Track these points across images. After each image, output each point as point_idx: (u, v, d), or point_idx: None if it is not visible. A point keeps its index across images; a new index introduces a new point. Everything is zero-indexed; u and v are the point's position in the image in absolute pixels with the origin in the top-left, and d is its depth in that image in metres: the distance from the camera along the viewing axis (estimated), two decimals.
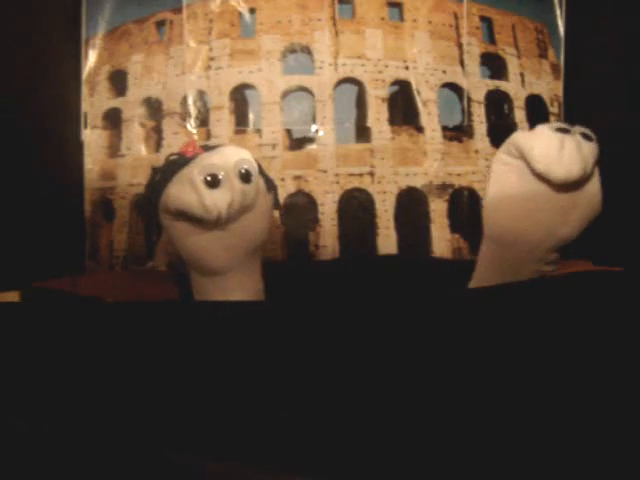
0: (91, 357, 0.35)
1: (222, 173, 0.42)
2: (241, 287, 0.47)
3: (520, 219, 0.43)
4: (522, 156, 0.42)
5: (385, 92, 0.76)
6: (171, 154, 0.46)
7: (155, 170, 0.46)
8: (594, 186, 0.43)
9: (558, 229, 0.43)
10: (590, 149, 0.41)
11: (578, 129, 0.41)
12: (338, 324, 0.38)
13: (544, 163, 0.40)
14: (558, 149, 0.40)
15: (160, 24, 0.77)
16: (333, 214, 0.75)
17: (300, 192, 0.75)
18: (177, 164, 0.43)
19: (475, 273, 0.47)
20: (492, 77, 0.78)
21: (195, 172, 0.42)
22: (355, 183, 0.75)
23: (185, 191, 0.42)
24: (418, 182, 0.76)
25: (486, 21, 0.78)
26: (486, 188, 0.45)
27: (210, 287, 0.47)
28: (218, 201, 0.41)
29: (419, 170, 0.76)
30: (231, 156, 0.43)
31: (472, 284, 0.47)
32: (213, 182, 0.41)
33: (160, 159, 0.75)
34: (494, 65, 0.78)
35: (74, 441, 0.30)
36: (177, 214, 0.43)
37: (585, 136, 0.41)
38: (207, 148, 0.45)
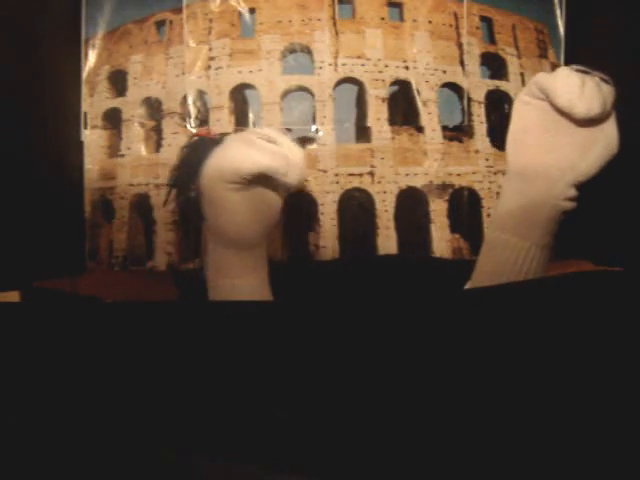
0: (91, 357, 0.35)
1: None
2: (262, 265, 0.51)
3: (542, 153, 0.45)
4: (545, 94, 0.44)
5: (385, 92, 0.76)
6: (193, 135, 0.51)
7: (189, 148, 0.50)
8: (612, 127, 0.45)
9: (577, 164, 0.44)
10: (609, 90, 0.43)
11: (597, 73, 0.44)
12: (338, 324, 0.38)
13: (567, 98, 0.42)
14: (579, 86, 0.42)
15: (160, 24, 0.77)
16: (333, 214, 0.75)
17: (300, 192, 0.75)
18: (211, 142, 0.47)
19: (496, 210, 0.48)
20: (492, 77, 0.78)
21: (255, 137, 0.46)
22: (355, 183, 0.75)
23: (256, 154, 0.45)
24: (418, 182, 0.76)
25: (486, 21, 0.78)
26: (509, 127, 0.47)
27: (236, 262, 0.49)
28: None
29: (419, 170, 0.76)
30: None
31: (492, 221, 0.48)
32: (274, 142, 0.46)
33: (160, 159, 0.76)
34: (494, 65, 0.78)
35: (74, 441, 0.30)
36: (250, 179, 0.46)
37: (603, 79, 0.43)
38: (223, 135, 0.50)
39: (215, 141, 0.48)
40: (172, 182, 0.52)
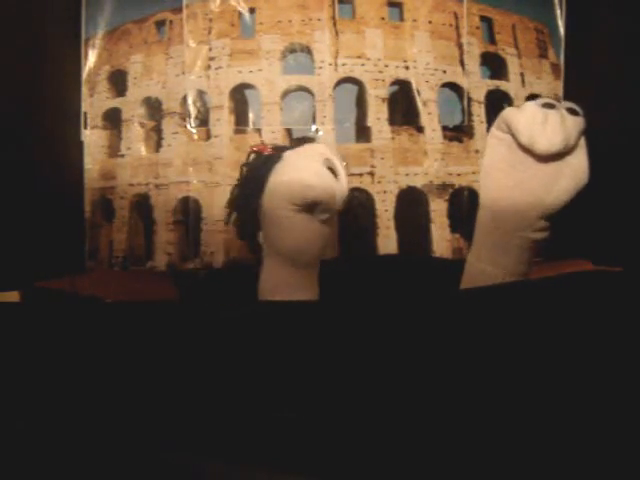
0: (91, 357, 0.35)
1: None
2: (315, 284, 0.52)
3: (509, 188, 0.45)
4: (509, 130, 0.44)
5: (385, 92, 0.76)
6: (252, 151, 0.53)
7: (250, 167, 0.52)
8: (579, 158, 0.45)
9: (544, 198, 0.45)
10: (574, 123, 0.43)
11: (564, 104, 0.44)
12: (339, 324, 0.37)
13: (528, 135, 0.43)
14: (542, 122, 0.42)
15: (160, 24, 0.77)
16: None
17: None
18: (270, 160, 0.49)
19: (473, 242, 0.49)
20: (492, 77, 0.78)
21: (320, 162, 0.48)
22: (355, 183, 0.75)
23: (324, 182, 0.47)
24: (418, 182, 0.76)
25: (486, 21, 0.78)
26: (483, 161, 0.48)
27: (293, 281, 0.51)
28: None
29: (419, 170, 0.76)
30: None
31: (471, 249, 0.49)
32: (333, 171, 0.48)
33: (160, 159, 0.76)
34: (494, 65, 0.78)
35: (74, 440, 0.30)
36: (312, 203, 0.48)
37: (571, 111, 0.43)
38: (276, 149, 0.52)
39: (273, 158, 0.49)
40: (234, 202, 0.54)
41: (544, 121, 0.42)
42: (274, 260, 0.51)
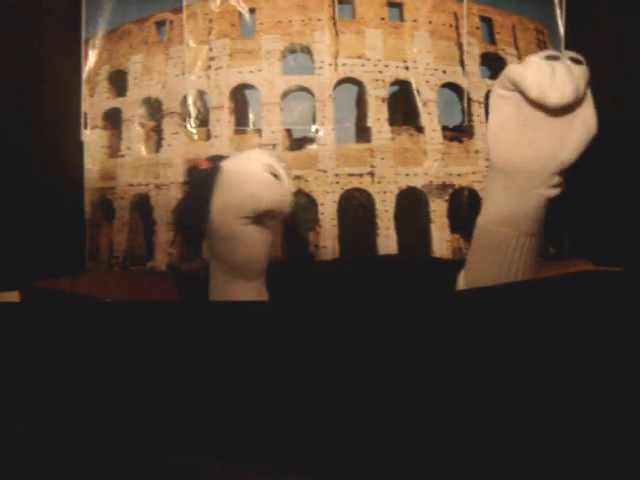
0: (91, 357, 0.35)
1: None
2: (264, 293, 0.52)
3: (521, 146, 0.45)
4: (516, 86, 0.43)
5: (385, 92, 0.76)
6: (189, 167, 0.52)
7: (191, 185, 0.52)
8: (588, 108, 0.44)
9: (558, 153, 0.44)
10: (581, 72, 0.42)
11: (567, 54, 0.43)
12: (339, 324, 0.37)
13: (538, 90, 0.42)
14: (550, 75, 0.42)
15: (160, 24, 0.77)
16: (333, 214, 0.75)
17: (300, 192, 0.75)
18: (210, 176, 0.48)
19: (485, 203, 0.48)
20: (492, 77, 0.78)
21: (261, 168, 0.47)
22: (355, 183, 0.75)
23: (269, 191, 0.47)
24: (418, 182, 0.76)
25: (486, 21, 0.78)
26: (487, 122, 0.47)
27: (243, 293, 0.51)
28: None
29: (419, 170, 0.76)
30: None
31: (482, 213, 0.48)
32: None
33: (160, 159, 0.76)
34: (494, 65, 0.78)
35: (74, 441, 0.30)
36: (259, 214, 0.48)
37: (575, 60, 0.43)
38: (212, 159, 0.51)
39: (213, 172, 0.48)
40: (180, 222, 0.53)
41: (552, 73, 0.41)
42: (223, 274, 0.51)
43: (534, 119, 0.44)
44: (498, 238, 0.46)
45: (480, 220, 0.48)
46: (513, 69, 0.43)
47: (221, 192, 0.47)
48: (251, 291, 0.51)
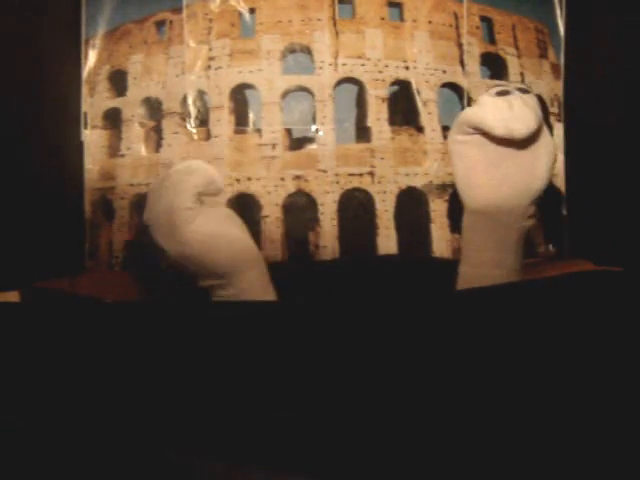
0: (91, 357, 0.35)
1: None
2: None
3: (495, 186, 0.45)
4: (478, 129, 0.44)
5: (385, 92, 0.76)
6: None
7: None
8: (545, 134, 0.45)
9: (531, 183, 0.45)
10: (532, 100, 0.44)
11: (514, 86, 0.45)
12: (339, 324, 0.37)
13: (502, 126, 0.42)
14: (508, 109, 0.43)
15: (160, 24, 0.77)
16: (333, 214, 0.75)
17: (300, 192, 0.75)
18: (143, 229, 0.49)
19: (464, 253, 0.48)
20: (492, 77, 0.78)
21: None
22: (355, 183, 0.75)
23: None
24: (418, 182, 0.76)
25: (486, 21, 0.78)
26: (453, 172, 0.47)
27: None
28: None
29: (419, 170, 0.76)
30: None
31: (464, 264, 0.48)
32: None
33: (160, 159, 0.76)
34: (494, 65, 0.78)
35: (74, 441, 0.30)
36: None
37: (523, 90, 0.44)
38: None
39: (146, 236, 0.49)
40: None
41: (510, 107, 0.42)
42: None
43: (500, 157, 0.45)
44: (486, 281, 0.46)
45: (463, 268, 0.48)
46: (470, 113, 0.44)
47: (157, 204, 0.47)
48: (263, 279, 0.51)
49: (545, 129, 0.45)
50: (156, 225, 0.47)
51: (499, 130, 0.42)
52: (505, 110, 0.42)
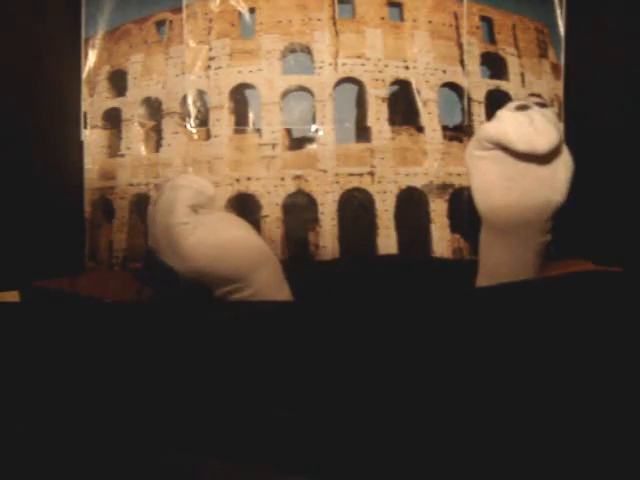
0: (91, 357, 0.35)
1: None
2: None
3: (516, 201, 0.44)
4: (499, 144, 0.43)
5: (385, 92, 0.76)
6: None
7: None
8: (564, 147, 0.45)
9: (551, 197, 0.44)
10: (552, 114, 0.43)
11: (532, 100, 0.44)
12: (339, 324, 0.37)
13: (524, 141, 0.42)
14: (529, 124, 0.42)
15: (160, 24, 0.77)
16: (333, 214, 0.75)
17: (300, 192, 0.75)
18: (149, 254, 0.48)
19: (482, 266, 0.48)
20: (492, 77, 0.78)
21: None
22: (355, 183, 0.75)
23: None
24: (418, 182, 0.76)
25: (486, 21, 0.78)
26: (471, 187, 0.47)
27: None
28: None
29: (419, 170, 0.76)
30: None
31: (481, 272, 0.48)
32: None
33: (160, 159, 0.76)
34: (494, 65, 0.78)
35: (74, 440, 0.30)
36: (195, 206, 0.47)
37: (541, 105, 0.43)
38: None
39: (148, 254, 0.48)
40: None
41: (531, 122, 0.42)
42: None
43: (519, 172, 0.44)
44: None
45: (481, 279, 0.48)
46: (490, 129, 0.44)
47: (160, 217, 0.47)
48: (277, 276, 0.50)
49: (564, 143, 0.44)
50: (159, 247, 0.46)
51: (521, 145, 0.42)
52: (526, 125, 0.42)
